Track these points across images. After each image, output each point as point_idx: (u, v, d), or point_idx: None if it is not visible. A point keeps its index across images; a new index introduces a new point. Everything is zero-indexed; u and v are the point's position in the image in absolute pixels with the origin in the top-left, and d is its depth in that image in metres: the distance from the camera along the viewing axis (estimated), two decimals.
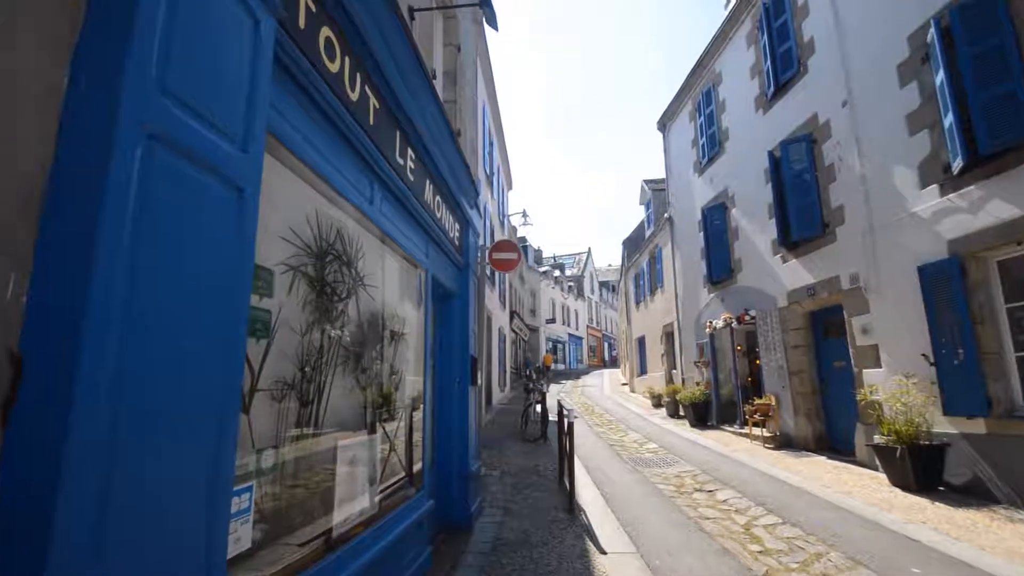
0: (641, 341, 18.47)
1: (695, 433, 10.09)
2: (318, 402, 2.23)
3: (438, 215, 4.07)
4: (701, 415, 11.01)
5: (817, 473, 6.42)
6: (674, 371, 13.99)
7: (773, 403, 8.71)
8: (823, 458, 7.38)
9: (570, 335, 41.26)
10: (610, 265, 60.34)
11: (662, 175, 14.71)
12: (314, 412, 2.20)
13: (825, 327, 8.06)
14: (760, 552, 3.90)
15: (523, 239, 30.43)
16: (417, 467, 3.61)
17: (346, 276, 2.56)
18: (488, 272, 12.11)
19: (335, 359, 2.41)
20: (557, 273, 39.36)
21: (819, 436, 7.95)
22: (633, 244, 19.60)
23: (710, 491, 5.75)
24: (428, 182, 3.74)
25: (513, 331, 24.84)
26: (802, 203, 7.87)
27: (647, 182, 16.88)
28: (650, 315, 16.32)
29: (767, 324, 9.01)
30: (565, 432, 5.61)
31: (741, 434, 9.53)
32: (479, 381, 6.08)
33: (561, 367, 37.34)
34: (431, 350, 4.02)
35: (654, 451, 8.34)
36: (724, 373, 11.04)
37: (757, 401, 8.86)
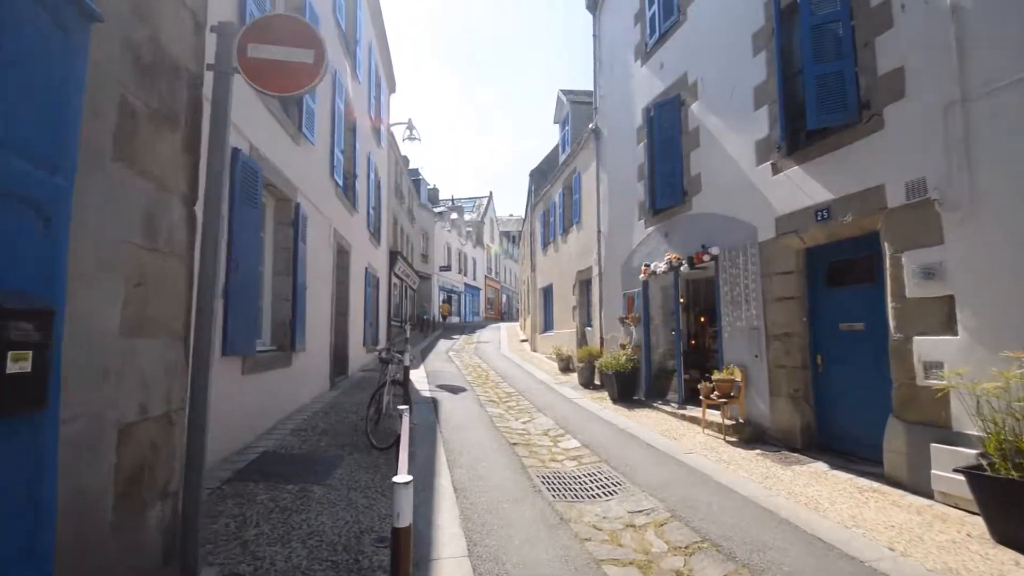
0: (547, 291, 15.64)
1: (622, 415, 7.34)
2: None
3: None
4: (626, 387, 8.34)
5: (864, 515, 3.74)
6: (589, 328, 11.27)
7: (739, 379, 6.11)
8: (823, 466, 4.89)
9: (467, 285, 38.00)
10: (511, 215, 57.54)
11: (583, 86, 11.39)
12: None
13: (831, 271, 5.45)
14: None
15: (406, 159, 25.74)
16: None
17: None
18: (338, 180, 8.00)
19: None
20: (455, 216, 35.31)
21: (806, 429, 5.49)
22: (542, 175, 16.36)
23: None
24: None
25: (397, 276, 20.74)
26: (824, 72, 4.94)
27: (566, 93, 13.45)
28: (561, 259, 13.38)
29: (736, 266, 6.27)
30: None
31: (685, 417, 6.93)
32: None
33: (455, 320, 34.15)
34: None
35: (577, 456, 5.32)
36: (660, 334, 8.38)
37: (716, 376, 6.20)
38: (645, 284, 8.41)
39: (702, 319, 8.28)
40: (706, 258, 6.68)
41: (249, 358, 4.73)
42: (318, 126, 7.10)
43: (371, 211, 11.95)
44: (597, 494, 4.19)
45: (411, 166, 29.22)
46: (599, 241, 10.16)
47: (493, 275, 46.18)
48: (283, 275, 5.96)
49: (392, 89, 15.76)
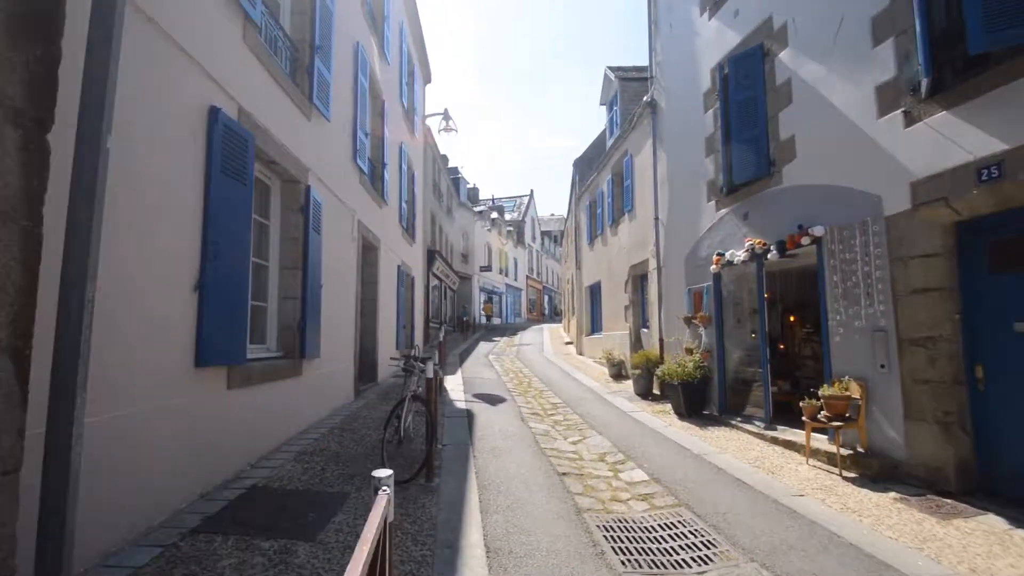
0: (594, 289, 14.36)
1: (695, 436, 6.03)
2: None
3: None
4: (695, 400, 7.01)
5: None
6: (644, 330, 9.95)
7: (857, 396, 4.70)
8: (999, 521, 3.51)
9: (508, 285, 37.10)
10: (553, 214, 56.21)
11: (634, 62, 10.05)
12: None
13: (996, 252, 4.00)
14: None
15: (445, 159, 25.03)
16: None
17: None
18: (362, 166, 7.15)
19: None
20: (495, 215, 34.48)
21: (963, 466, 4.04)
22: (587, 164, 15.09)
23: None
24: None
25: (435, 276, 20.04)
26: None
27: (613, 70, 12.16)
28: (611, 253, 12.10)
29: (851, 249, 4.87)
30: None
31: (777, 442, 5.56)
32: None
33: (497, 321, 33.28)
34: None
35: (646, 495, 4.12)
36: (736, 336, 7.00)
37: (826, 392, 4.81)
38: (717, 277, 7.04)
39: (791, 318, 6.83)
40: (804, 241, 5.30)
41: (238, 368, 3.85)
42: (335, 101, 6.25)
43: (404, 205, 11.14)
44: (683, 561, 2.99)
45: (450, 164, 28.64)
46: (657, 230, 8.84)
47: (535, 275, 45.08)
48: (291, 270, 5.10)
49: (427, 79, 14.99)
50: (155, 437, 2.98)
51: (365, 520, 2.91)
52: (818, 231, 5.17)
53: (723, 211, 6.91)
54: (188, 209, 3.29)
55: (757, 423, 6.15)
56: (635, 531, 3.42)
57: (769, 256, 5.85)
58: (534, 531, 3.32)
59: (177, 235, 3.18)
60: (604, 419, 6.95)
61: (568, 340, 19.64)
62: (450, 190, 26.37)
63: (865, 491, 4.19)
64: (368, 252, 8.42)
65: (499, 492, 3.98)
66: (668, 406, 7.60)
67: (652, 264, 9.17)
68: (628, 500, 4.04)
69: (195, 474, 3.34)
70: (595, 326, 14.44)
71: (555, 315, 44.60)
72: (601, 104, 13.17)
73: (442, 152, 24.64)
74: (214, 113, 3.54)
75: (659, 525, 3.51)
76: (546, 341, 19.65)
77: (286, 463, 4.23)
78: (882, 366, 4.56)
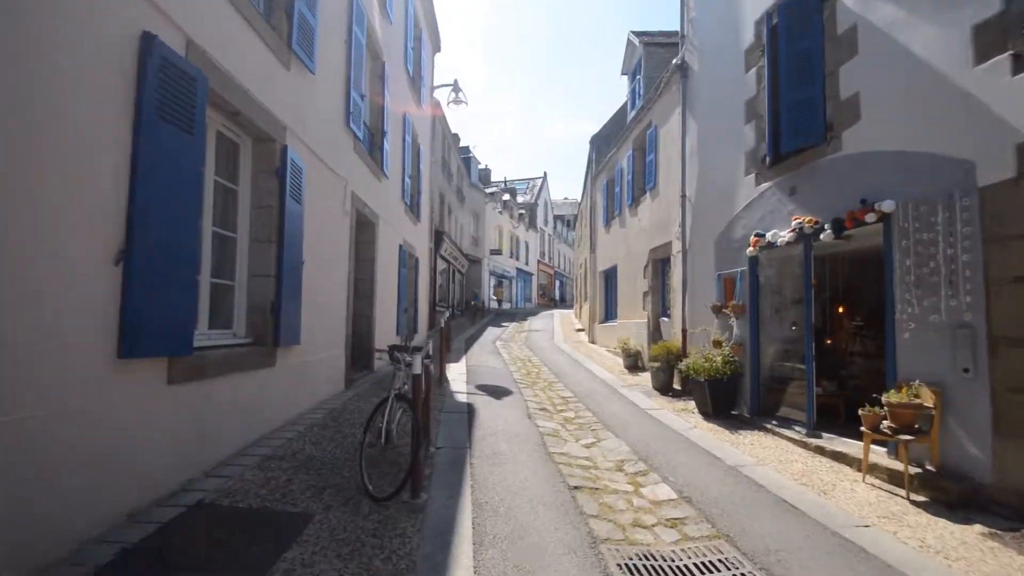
0: (610, 275, 13.54)
1: (725, 441, 5.29)
2: None
3: None
4: (723, 399, 6.25)
5: None
6: (665, 319, 9.15)
7: (930, 404, 3.90)
8: None
9: (518, 270, 36.34)
10: (566, 198, 54.98)
11: (662, 26, 9.12)
12: None
13: None
14: None
15: (456, 137, 24.10)
16: None
17: None
18: (356, 131, 6.41)
19: None
20: (507, 197, 33.56)
21: None
22: (605, 141, 14.13)
23: None
24: None
25: (443, 258, 19.35)
26: None
27: (638, 35, 11.14)
28: (629, 235, 11.24)
29: (931, 228, 4.02)
30: None
31: (824, 452, 4.79)
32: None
33: (507, 306, 32.64)
34: None
35: (676, 521, 3.40)
36: (773, 329, 6.19)
37: (893, 398, 4.01)
38: (753, 261, 6.21)
39: (840, 309, 5.99)
40: (869, 218, 4.44)
41: (183, 360, 3.18)
42: (323, 52, 5.48)
43: (407, 180, 10.37)
44: None
45: (461, 144, 27.72)
46: (684, 209, 7.98)
47: (546, 259, 44.24)
48: (264, 243, 4.41)
49: (436, 47, 14.08)
50: (59, 448, 2.32)
51: (326, 556, 2.25)
52: (887, 206, 4.32)
53: (764, 185, 6.05)
54: (107, 160, 2.58)
55: (797, 428, 5.38)
56: (666, 573, 2.71)
57: (822, 237, 5.00)
58: (537, 573, 2.63)
59: (90, 193, 2.48)
60: (620, 418, 6.23)
61: (580, 327, 18.90)
62: (460, 170, 25.50)
63: (943, 522, 3.43)
64: (364, 228, 7.71)
65: (498, 514, 3.29)
66: (691, 404, 6.85)
67: (676, 247, 8.33)
68: (654, 526, 3.33)
69: (117, 492, 2.69)
70: (609, 313, 13.66)
71: (561, 301, 43.85)
72: (623, 74, 12.16)
73: (453, 131, 23.75)
74: (148, 41, 2.81)
75: (696, 566, 2.80)
76: (556, 328, 18.93)
77: (246, 471, 3.58)
78: (965, 370, 3.74)
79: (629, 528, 3.29)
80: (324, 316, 5.77)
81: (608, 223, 13.29)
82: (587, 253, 16.76)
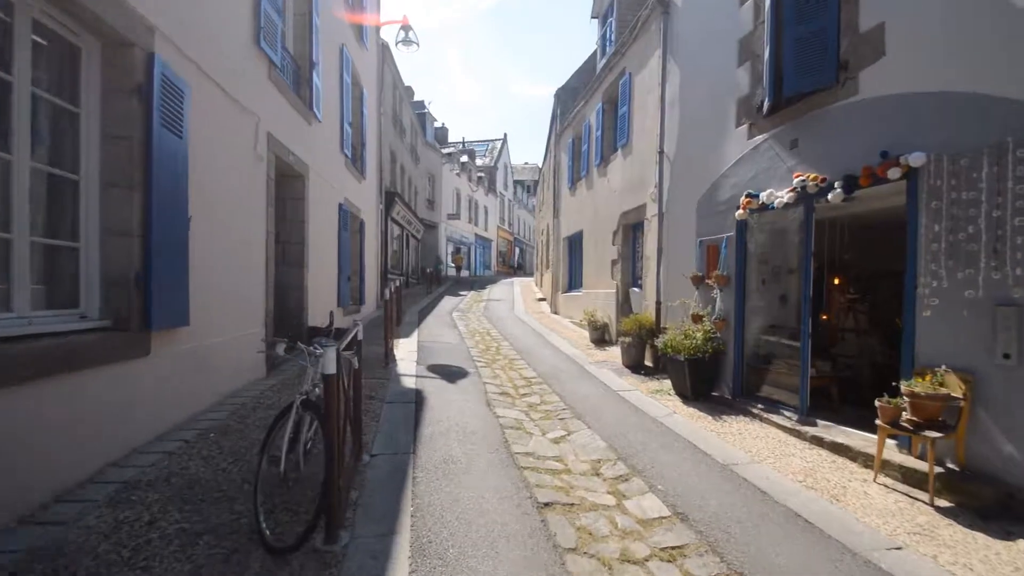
0: (574, 241, 12.73)
1: (710, 430, 4.65)
2: None
3: None
4: (704, 379, 5.63)
5: None
6: (636, 290, 8.47)
7: (959, 395, 3.32)
8: None
9: (477, 236, 35.11)
10: (527, 163, 53.49)
11: None
12: None
13: None
14: None
15: (410, 90, 22.23)
16: None
17: None
18: (271, 54, 5.08)
19: None
20: (465, 159, 31.90)
21: None
22: (571, 94, 13.02)
23: None
24: None
25: (395, 222, 17.96)
26: None
27: None
28: (597, 198, 10.39)
29: (971, 185, 3.34)
30: None
31: (823, 444, 4.21)
32: None
33: (465, 274, 31.53)
34: None
35: (673, 551, 2.65)
36: (760, 301, 5.56)
37: (917, 387, 3.41)
38: (742, 226, 5.50)
39: (836, 281, 5.41)
40: (892, 174, 3.73)
41: None
42: None
43: (347, 128, 8.97)
44: None
45: (416, 98, 25.71)
46: (661, 167, 7.15)
47: (506, 225, 43.11)
48: (123, 189, 3.20)
49: None
50: None
51: None
52: (915, 160, 3.61)
53: (759, 138, 5.27)
54: None
55: (786, 413, 4.82)
56: None
57: (829, 197, 4.29)
58: None
59: None
60: (591, 402, 5.51)
61: (541, 297, 18.20)
62: (415, 126, 23.69)
63: (981, 538, 2.87)
64: (290, 181, 6.44)
65: (446, 561, 2.43)
66: (665, 383, 6.23)
67: (651, 210, 7.55)
68: (647, 560, 2.58)
69: None
70: (573, 282, 12.94)
71: (520, 269, 43.18)
72: (592, 17, 10.99)
73: (406, 84, 21.79)
74: None
75: None
76: (517, 297, 18.14)
77: (90, 512, 2.53)
78: (1006, 356, 3.16)
79: (617, 564, 2.52)
80: (230, 288, 4.61)
81: (574, 185, 12.37)
82: (550, 218, 15.87)
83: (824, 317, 5.45)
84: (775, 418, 4.80)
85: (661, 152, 7.13)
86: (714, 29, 6.05)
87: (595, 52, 11.72)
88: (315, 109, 6.87)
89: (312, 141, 6.99)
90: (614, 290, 9.10)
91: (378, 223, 12.72)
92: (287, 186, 6.47)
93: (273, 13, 5.30)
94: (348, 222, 9.21)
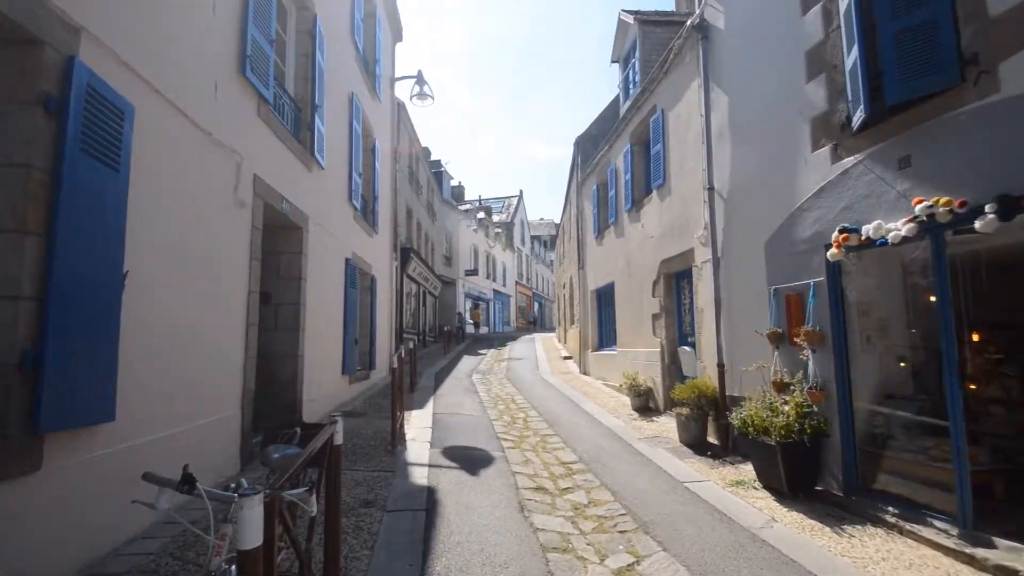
0: (604, 293, 11.65)
1: (847, 559, 3.28)
2: None
3: None
4: (803, 470, 4.30)
5: None
6: (686, 348, 7.23)
7: None
8: None
9: (495, 291, 34.36)
10: (542, 219, 53.71)
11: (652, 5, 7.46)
12: None
13: None
14: None
15: (427, 151, 22.28)
16: None
17: None
18: (262, 89, 4.36)
19: None
20: (482, 215, 31.77)
21: None
22: (592, 142, 12.43)
23: None
24: None
25: (411, 279, 17.22)
26: None
27: (631, 13, 9.53)
28: (629, 247, 9.40)
29: None
30: None
31: None
32: None
33: (484, 330, 30.48)
34: None
35: None
36: (869, 363, 4.31)
37: None
38: (834, 269, 4.37)
39: (975, 337, 4.16)
40: None
41: None
42: None
43: (357, 178, 8.32)
44: None
45: (433, 158, 25.94)
46: (711, 206, 6.16)
47: (524, 280, 42.44)
48: (6, 233, 2.29)
49: (397, 35, 12.26)
50: None
51: None
52: None
53: (849, 160, 4.25)
54: None
55: (938, 524, 3.45)
56: None
57: (978, 225, 3.17)
58: None
59: None
60: (656, 503, 4.19)
61: (567, 355, 16.90)
62: (431, 184, 23.63)
63: None
64: (284, 232, 5.62)
65: None
66: (744, 470, 4.90)
67: (701, 255, 6.49)
68: None
69: None
70: (605, 339, 11.72)
71: (540, 324, 41.99)
72: (613, 61, 10.53)
73: (424, 144, 21.96)
74: None
75: None
76: (540, 355, 16.88)
77: None
78: None
79: None
80: (191, 362, 3.60)
81: (600, 234, 11.46)
82: (573, 270, 14.90)
83: (972, 388, 4.14)
84: (923, 531, 3.43)
85: (711, 188, 6.16)
86: (769, 46, 5.25)
87: (617, 97, 11.21)
88: (317, 155, 6.17)
89: (313, 189, 6.25)
90: (657, 349, 7.87)
91: (392, 280, 11.90)
92: (281, 238, 5.64)
93: (263, 42, 4.66)
94: (357, 279, 8.35)
